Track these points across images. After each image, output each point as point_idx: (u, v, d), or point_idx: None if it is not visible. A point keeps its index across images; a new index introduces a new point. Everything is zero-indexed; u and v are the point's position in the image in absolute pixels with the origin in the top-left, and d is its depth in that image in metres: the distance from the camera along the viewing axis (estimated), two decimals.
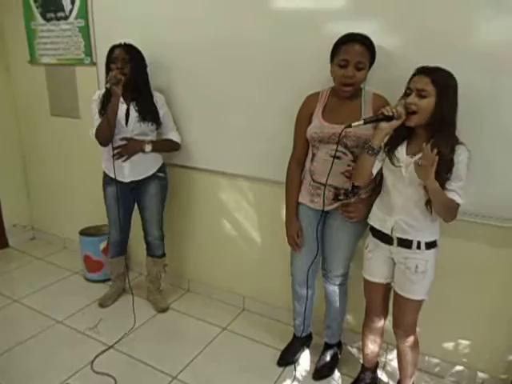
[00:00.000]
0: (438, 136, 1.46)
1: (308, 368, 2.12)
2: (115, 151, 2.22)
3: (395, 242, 1.61)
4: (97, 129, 2.19)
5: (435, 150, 1.35)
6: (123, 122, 2.21)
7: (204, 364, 2.12)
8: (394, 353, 1.93)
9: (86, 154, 2.90)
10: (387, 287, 1.75)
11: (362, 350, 1.96)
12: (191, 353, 2.19)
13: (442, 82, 1.42)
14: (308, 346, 2.22)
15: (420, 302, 1.65)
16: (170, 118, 2.37)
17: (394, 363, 1.99)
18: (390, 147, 1.56)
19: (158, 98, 2.31)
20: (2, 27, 3.09)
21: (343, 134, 1.61)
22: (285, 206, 1.96)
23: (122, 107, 2.20)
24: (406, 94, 1.49)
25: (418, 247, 1.57)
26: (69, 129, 3.01)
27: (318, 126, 1.77)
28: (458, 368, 2.04)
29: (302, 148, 1.88)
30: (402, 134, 1.54)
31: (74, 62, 2.80)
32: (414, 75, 1.48)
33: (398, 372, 1.86)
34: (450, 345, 2.04)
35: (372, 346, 1.89)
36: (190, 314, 2.55)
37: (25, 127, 3.31)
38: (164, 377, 2.03)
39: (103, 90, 2.22)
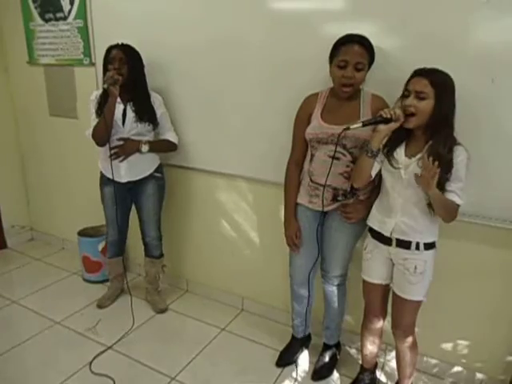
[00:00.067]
0: (436, 137, 1.46)
1: (307, 369, 2.12)
2: (112, 151, 2.22)
3: (394, 242, 1.61)
4: (94, 129, 2.19)
5: (436, 163, 1.35)
6: (120, 122, 2.21)
7: (203, 365, 2.12)
8: (393, 353, 1.94)
9: (85, 155, 2.89)
10: (386, 288, 1.75)
11: (360, 350, 1.96)
12: (190, 353, 2.19)
13: (440, 84, 1.43)
14: (307, 347, 2.22)
15: (419, 303, 1.65)
16: (168, 118, 2.37)
17: (393, 364, 1.99)
18: (389, 149, 1.57)
19: (156, 99, 2.31)
20: (0, 28, 3.08)
21: (342, 135, 1.61)
22: (283, 207, 1.96)
23: (119, 107, 2.20)
24: (404, 96, 1.49)
25: (417, 248, 1.57)
26: (67, 129, 3.01)
27: (317, 126, 1.77)
28: (457, 369, 2.05)
29: (301, 149, 1.88)
30: (401, 136, 1.54)
31: (72, 62, 2.80)
32: (411, 77, 1.48)
33: (396, 373, 1.86)
34: (448, 345, 2.05)
35: (371, 347, 1.89)
36: (188, 314, 2.55)
37: (23, 128, 3.30)
38: (163, 377, 2.03)
39: (100, 91, 2.23)
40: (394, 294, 1.70)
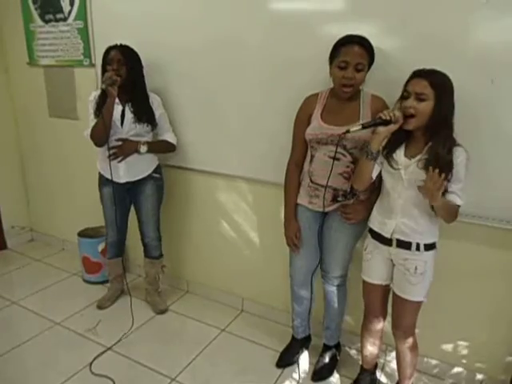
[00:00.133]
0: (435, 138, 1.46)
1: (307, 369, 2.12)
2: (111, 152, 2.22)
3: (394, 243, 1.61)
4: (92, 129, 2.19)
5: (443, 175, 1.33)
6: (119, 122, 2.21)
7: (203, 365, 2.12)
8: (393, 354, 1.93)
9: (85, 156, 2.89)
10: (386, 289, 1.75)
11: (360, 351, 1.96)
12: (190, 354, 2.19)
13: (439, 85, 1.43)
14: (307, 348, 2.22)
15: (419, 304, 1.65)
16: (166, 119, 2.37)
17: (393, 364, 1.99)
18: (389, 150, 1.57)
19: (154, 99, 2.31)
20: (0, 29, 3.08)
21: (342, 136, 1.61)
22: (283, 207, 1.96)
23: (118, 108, 2.20)
24: (403, 97, 1.49)
25: (418, 249, 1.57)
26: (67, 130, 3.00)
27: (316, 127, 1.77)
28: (457, 369, 2.05)
29: (301, 149, 1.88)
30: (400, 137, 1.54)
31: (72, 63, 2.80)
32: (410, 78, 1.48)
33: (396, 373, 1.86)
34: (448, 346, 2.04)
35: (371, 348, 1.89)
36: (188, 315, 2.55)
37: (23, 128, 3.30)
38: (163, 378, 2.02)
39: (99, 91, 2.23)
40: (394, 294, 1.70)
